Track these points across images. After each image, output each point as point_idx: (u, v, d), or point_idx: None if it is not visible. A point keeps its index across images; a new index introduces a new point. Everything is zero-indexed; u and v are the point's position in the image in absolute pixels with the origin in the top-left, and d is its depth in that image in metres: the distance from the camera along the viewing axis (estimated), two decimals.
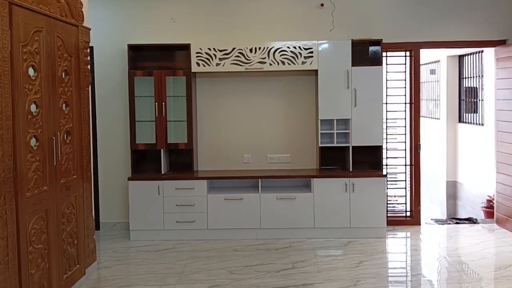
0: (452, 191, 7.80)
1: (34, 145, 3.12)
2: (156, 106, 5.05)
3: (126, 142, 5.41)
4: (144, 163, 5.34)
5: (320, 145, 5.18)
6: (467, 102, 7.50)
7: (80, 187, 3.81)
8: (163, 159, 5.17)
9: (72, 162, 3.69)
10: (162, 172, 5.15)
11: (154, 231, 5.05)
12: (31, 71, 3.08)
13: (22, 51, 2.95)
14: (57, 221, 3.41)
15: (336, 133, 5.12)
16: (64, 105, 3.55)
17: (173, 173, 5.25)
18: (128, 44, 5.11)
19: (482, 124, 6.94)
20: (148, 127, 5.14)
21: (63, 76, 3.53)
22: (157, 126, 5.09)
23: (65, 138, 3.57)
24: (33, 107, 3.10)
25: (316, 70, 5.09)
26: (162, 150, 5.14)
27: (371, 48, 5.25)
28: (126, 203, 5.31)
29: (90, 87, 4.01)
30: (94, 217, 4.13)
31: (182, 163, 5.37)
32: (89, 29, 3.94)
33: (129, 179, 5.08)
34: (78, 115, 3.78)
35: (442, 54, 7.70)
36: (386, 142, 5.49)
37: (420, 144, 5.50)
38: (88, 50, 3.94)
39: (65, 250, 3.55)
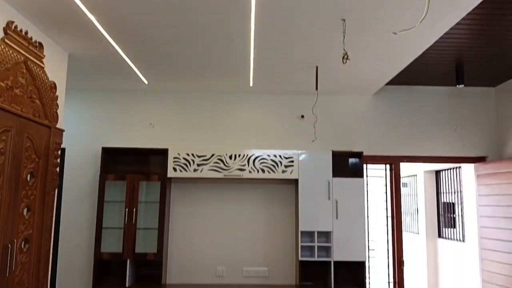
0: None
1: None
2: (126, 212, 4.75)
3: (89, 250, 5.00)
4: (107, 274, 4.88)
5: (300, 258, 4.87)
6: (446, 217, 7.43)
7: None
8: (128, 270, 4.73)
9: (28, 273, 3.28)
10: (127, 286, 4.68)
11: None
12: None
13: None
14: None
15: (317, 246, 4.85)
16: (25, 209, 3.25)
17: (139, 286, 4.77)
18: (102, 147, 4.95)
19: (463, 240, 6.79)
20: (115, 235, 4.78)
21: (28, 179, 3.28)
22: (125, 234, 4.73)
23: (22, 245, 3.21)
24: None
25: (297, 180, 4.98)
26: (128, 260, 4.72)
27: (352, 160, 5.24)
28: None
29: (56, 190, 3.75)
30: None
31: (149, 275, 4.92)
32: (63, 130, 3.79)
33: None
34: (40, 220, 3.46)
35: (419, 168, 7.80)
36: (369, 257, 5.22)
37: (403, 260, 5.25)
38: (59, 151, 3.75)
39: None
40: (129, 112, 5.34)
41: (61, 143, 3.77)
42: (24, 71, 3.20)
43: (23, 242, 3.21)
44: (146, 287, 4.73)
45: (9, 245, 2.99)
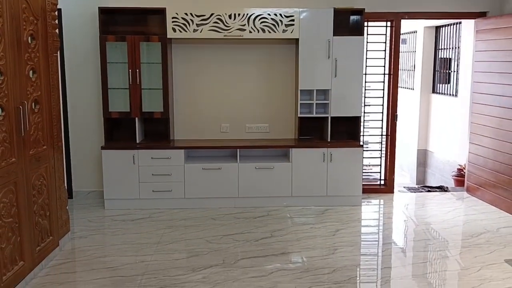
0: (423, 159, 7.97)
1: (0, 115, 2.93)
2: (130, 73, 4.84)
3: (98, 110, 5.22)
4: (117, 131, 5.17)
5: (299, 115, 5.12)
6: (441, 73, 7.55)
7: (51, 157, 3.65)
8: (137, 127, 5.01)
9: (42, 132, 3.51)
10: (137, 141, 5.00)
11: (130, 200, 4.95)
12: None
13: None
14: (27, 193, 3.27)
15: (316, 103, 5.07)
16: (31, 72, 3.34)
17: (149, 142, 5.10)
18: (99, 7, 4.82)
19: (456, 95, 7.02)
20: (122, 95, 4.94)
21: (29, 41, 3.30)
22: (131, 94, 4.89)
23: (33, 107, 3.38)
24: None
25: (297, 39, 4.96)
26: (136, 118, 4.97)
27: (353, 18, 5.14)
28: (99, 171, 5.18)
29: (58, 52, 3.79)
30: (66, 186, 3.99)
31: (157, 132, 5.22)
32: None
33: (103, 148, 4.91)
34: (47, 82, 3.58)
35: (419, 24, 7.66)
36: (364, 113, 5.48)
37: (397, 114, 5.51)
38: (56, 13, 3.69)
39: (37, 222, 3.44)
40: None
41: (57, 3, 3.69)
42: None
43: (33, 104, 3.37)
44: (155, 143, 5.05)
45: (21, 107, 3.14)
